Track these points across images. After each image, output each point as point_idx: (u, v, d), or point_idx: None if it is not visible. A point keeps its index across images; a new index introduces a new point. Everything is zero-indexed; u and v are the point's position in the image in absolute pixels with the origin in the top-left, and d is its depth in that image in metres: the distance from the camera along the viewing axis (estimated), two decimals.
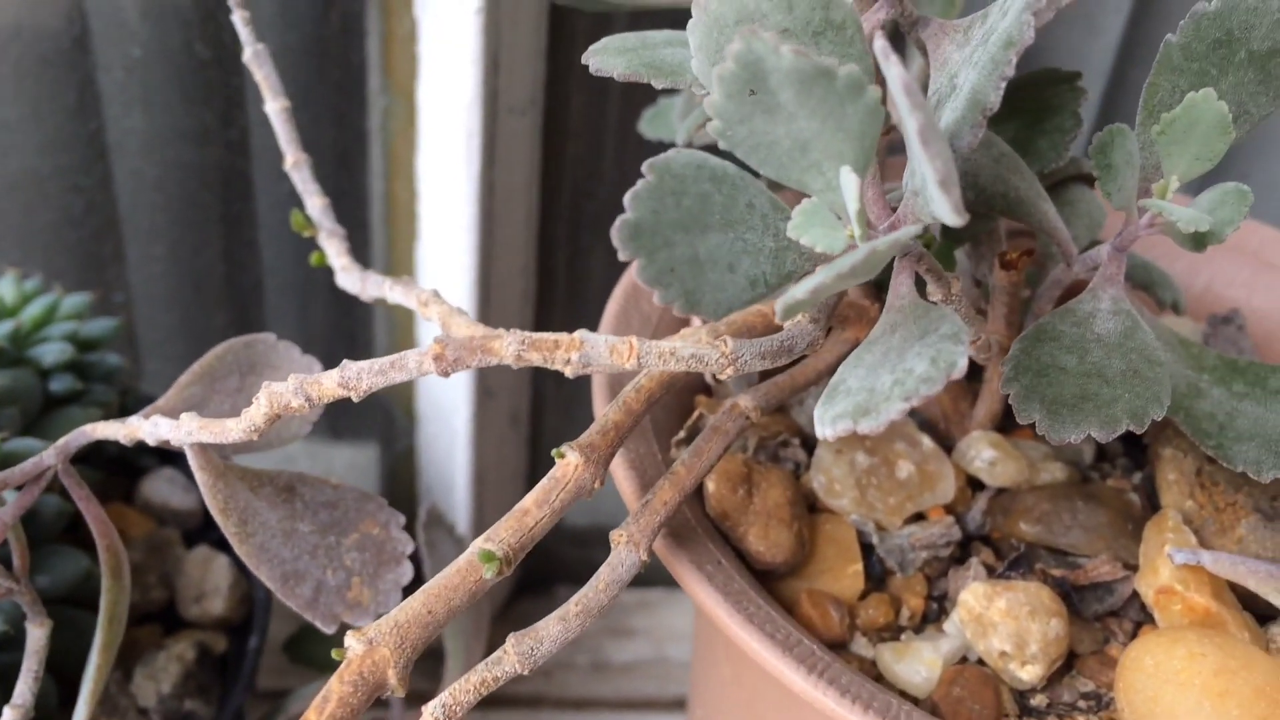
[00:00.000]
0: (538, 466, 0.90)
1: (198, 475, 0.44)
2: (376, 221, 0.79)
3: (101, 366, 0.67)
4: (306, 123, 0.75)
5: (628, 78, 0.39)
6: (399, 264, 0.80)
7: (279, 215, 0.78)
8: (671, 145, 0.68)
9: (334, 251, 0.55)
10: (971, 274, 0.53)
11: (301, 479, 0.48)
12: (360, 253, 0.80)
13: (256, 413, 0.39)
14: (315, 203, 0.56)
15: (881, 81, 0.49)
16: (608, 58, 0.40)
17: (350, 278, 0.54)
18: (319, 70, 0.73)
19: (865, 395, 0.33)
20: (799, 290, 0.31)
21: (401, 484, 0.88)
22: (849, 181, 0.34)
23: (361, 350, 0.85)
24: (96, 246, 0.78)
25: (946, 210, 0.30)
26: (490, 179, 0.72)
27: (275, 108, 0.56)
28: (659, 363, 0.37)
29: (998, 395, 0.53)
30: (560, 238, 0.81)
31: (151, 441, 0.44)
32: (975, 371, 0.56)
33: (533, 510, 0.39)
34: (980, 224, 0.50)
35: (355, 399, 0.38)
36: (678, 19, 0.66)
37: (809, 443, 0.54)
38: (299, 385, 0.38)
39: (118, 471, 0.69)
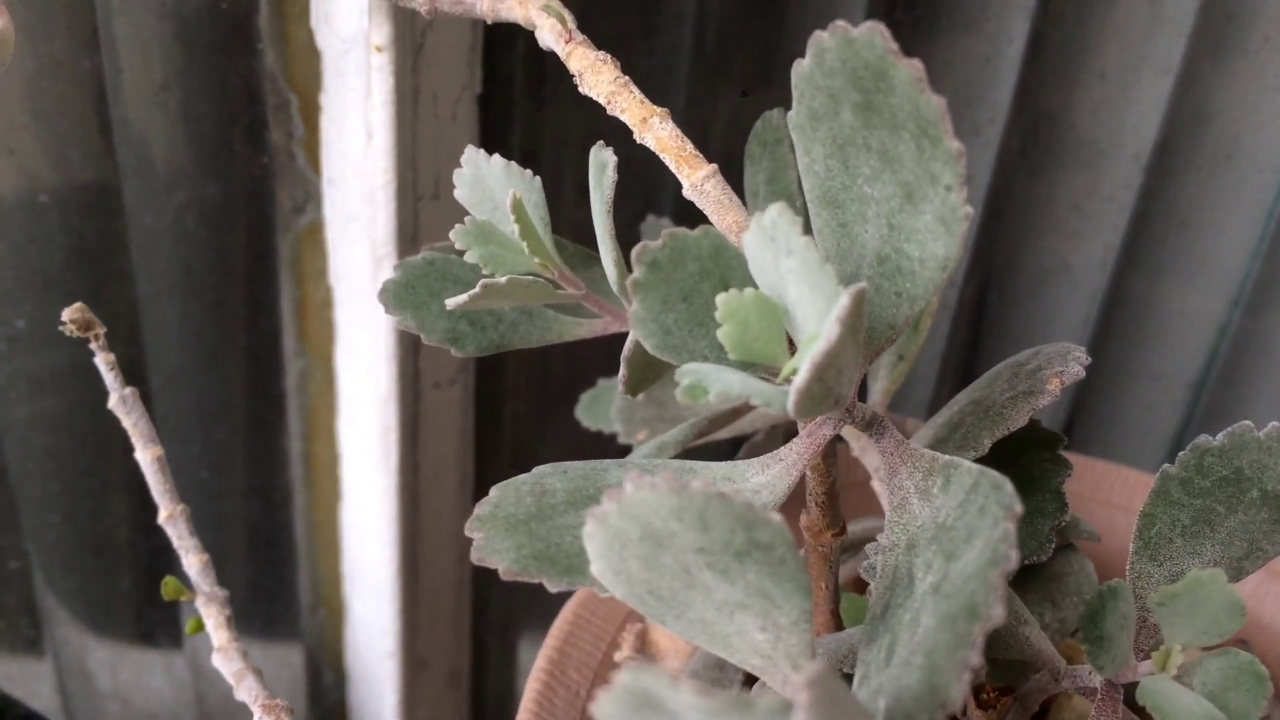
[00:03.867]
0: None
1: None
2: (297, 483, 0.72)
3: None
4: (215, 388, 0.68)
5: (515, 576, 0.32)
6: (321, 525, 0.73)
7: (186, 478, 0.71)
8: (611, 436, 0.61)
9: (214, 623, 0.48)
10: None
11: None
12: (280, 512, 0.73)
13: None
14: (193, 561, 0.49)
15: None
16: (494, 538, 0.33)
17: (226, 663, 0.47)
18: (226, 336, 0.66)
19: None
20: None
21: None
22: None
23: (283, 602, 0.77)
24: None
25: None
26: (414, 460, 0.65)
27: (146, 458, 0.49)
28: None
29: None
30: None
31: None
32: None
33: None
34: None
35: None
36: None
37: None
38: None
39: None
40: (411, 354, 0.62)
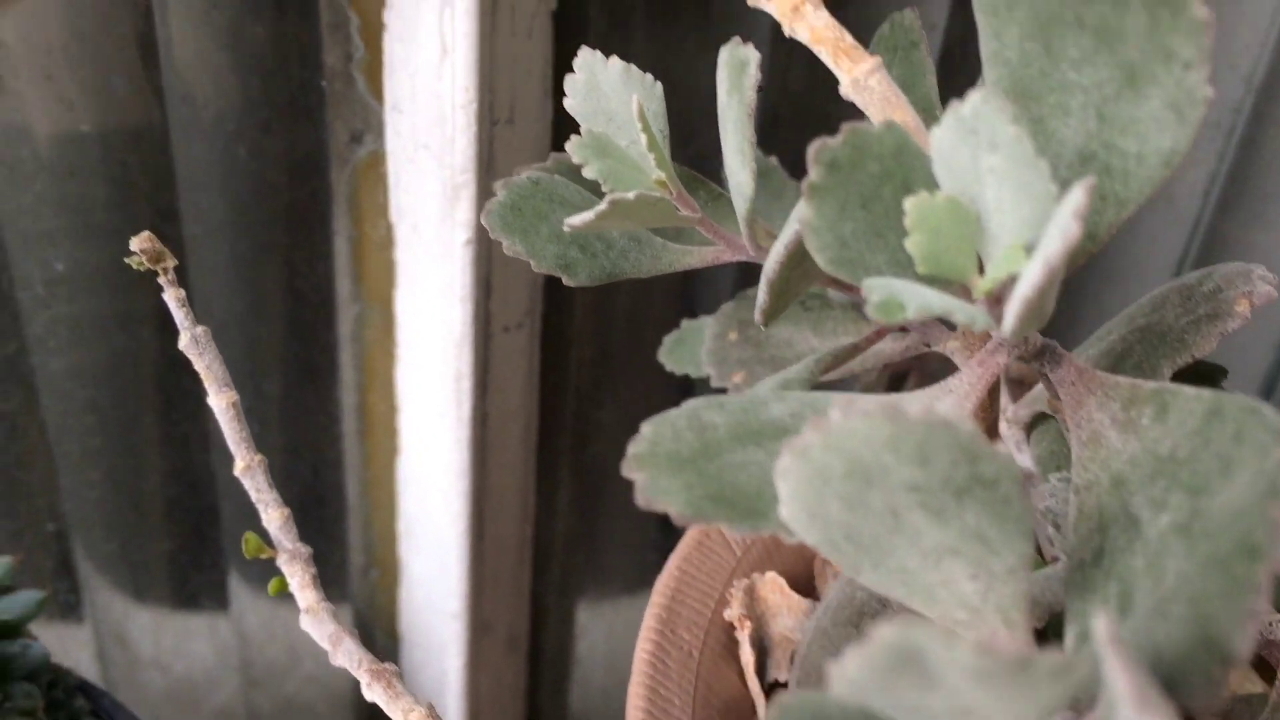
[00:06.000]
0: (539, 688, 0.79)
1: None
2: (350, 436, 0.68)
3: (23, 661, 0.55)
4: (265, 335, 0.64)
5: (689, 520, 0.28)
6: (376, 481, 0.70)
7: None
8: (680, 380, 0.57)
9: (298, 582, 0.44)
10: None
11: None
12: (332, 468, 0.69)
13: None
14: (273, 515, 0.45)
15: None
16: (659, 477, 0.29)
17: (317, 626, 0.43)
18: (277, 279, 0.62)
19: None
20: None
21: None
22: None
23: (334, 563, 0.73)
24: (23, 474, 0.66)
25: None
26: (484, 410, 0.61)
27: (221, 404, 0.45)
28: None
29: None
30: (563, 449, 0.70)
31: None
32: None
33: None
34: None
35: None
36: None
37: None
38: None
39: None
40: (484, 300, 0.58)
